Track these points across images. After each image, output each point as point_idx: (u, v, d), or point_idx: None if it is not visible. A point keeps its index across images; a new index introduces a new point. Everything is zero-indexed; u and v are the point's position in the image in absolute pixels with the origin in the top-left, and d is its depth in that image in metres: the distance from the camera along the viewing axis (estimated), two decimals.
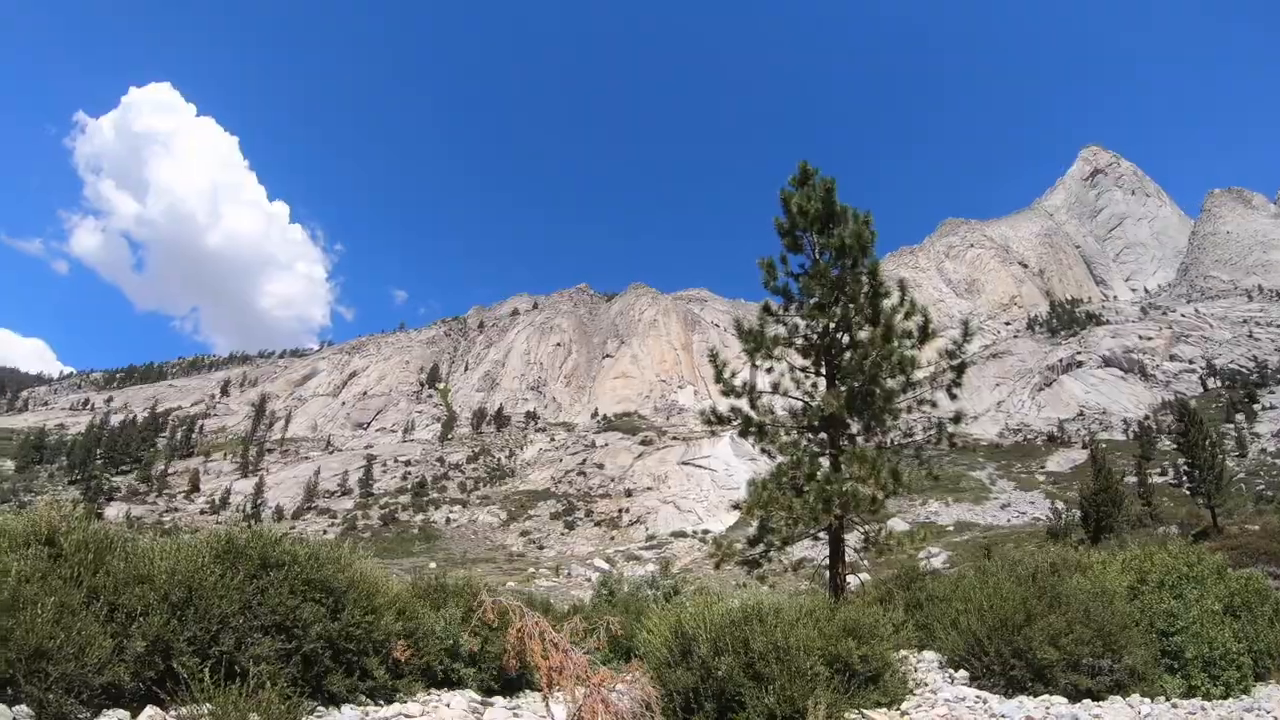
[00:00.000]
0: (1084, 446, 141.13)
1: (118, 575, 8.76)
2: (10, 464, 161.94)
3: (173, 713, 7.60)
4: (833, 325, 20.21)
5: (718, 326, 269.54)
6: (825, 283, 19.98)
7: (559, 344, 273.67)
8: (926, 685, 10.89)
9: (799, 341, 20.72)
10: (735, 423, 21.41)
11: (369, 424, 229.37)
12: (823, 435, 20.75)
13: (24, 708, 7.15)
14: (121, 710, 7.62)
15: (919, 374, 19.72)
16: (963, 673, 11.41)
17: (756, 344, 20.65)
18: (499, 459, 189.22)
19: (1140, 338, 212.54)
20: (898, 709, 9.86)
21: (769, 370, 20.96)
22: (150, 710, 7.63)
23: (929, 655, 12.51)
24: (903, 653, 12.00)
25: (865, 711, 9.50)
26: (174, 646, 8.39)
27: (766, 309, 21.25)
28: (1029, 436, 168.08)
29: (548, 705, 8.69)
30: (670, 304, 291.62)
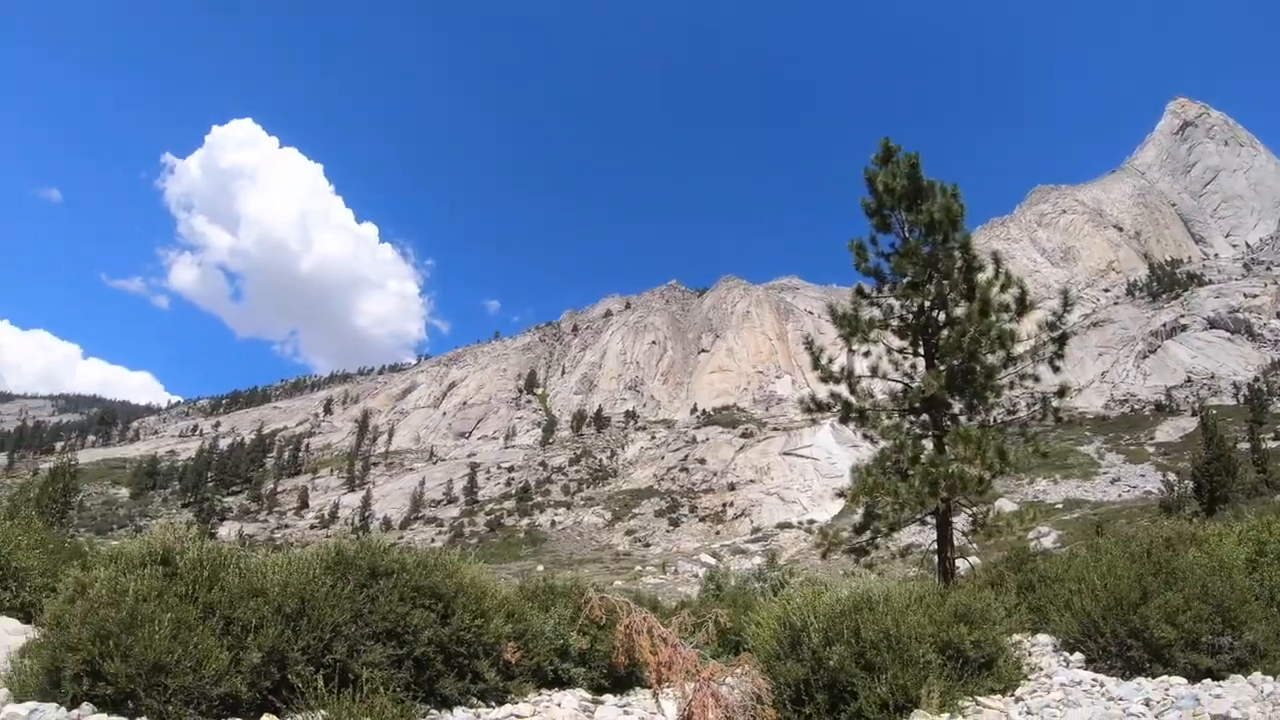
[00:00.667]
0: (1193, 414, 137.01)
1: (232, 590, 8.95)
2: (125, 491, 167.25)
3: None
4: (928, 303, 19.87)
5: (811, 314, 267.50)
6: (917, 260, 19.66)
7: (654, 342, 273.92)
8: (1041, 670, 10.61)
9: (895, 322, 20.41)
10: (835, 409, 21.19)
11: (470, 433, 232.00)
12: (925, 417, 20.46)
13: None
14: (239, 719, 7.78)
15: (1019, 348, 19.32)
16: (1078, 655, 11.10)
17: (852, 328, 20.41)
18: (601, 460, 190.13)
19: (1245, 296, 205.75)
20: (1012, 695, 9.62)
21: (866, 354, 20.70)
22: (267, 718, 7.78)
23: (1043, 639, 12.21)
24: (1016, 637, 11.75)
25: (979, 699, 9.29)
26: (288, 656, 8.55)
27: (859, 292, 20.99)
28: (1136, 407, 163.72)
29: (658, 701, 8.65)
30: (762, 294, 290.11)
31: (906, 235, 20.20)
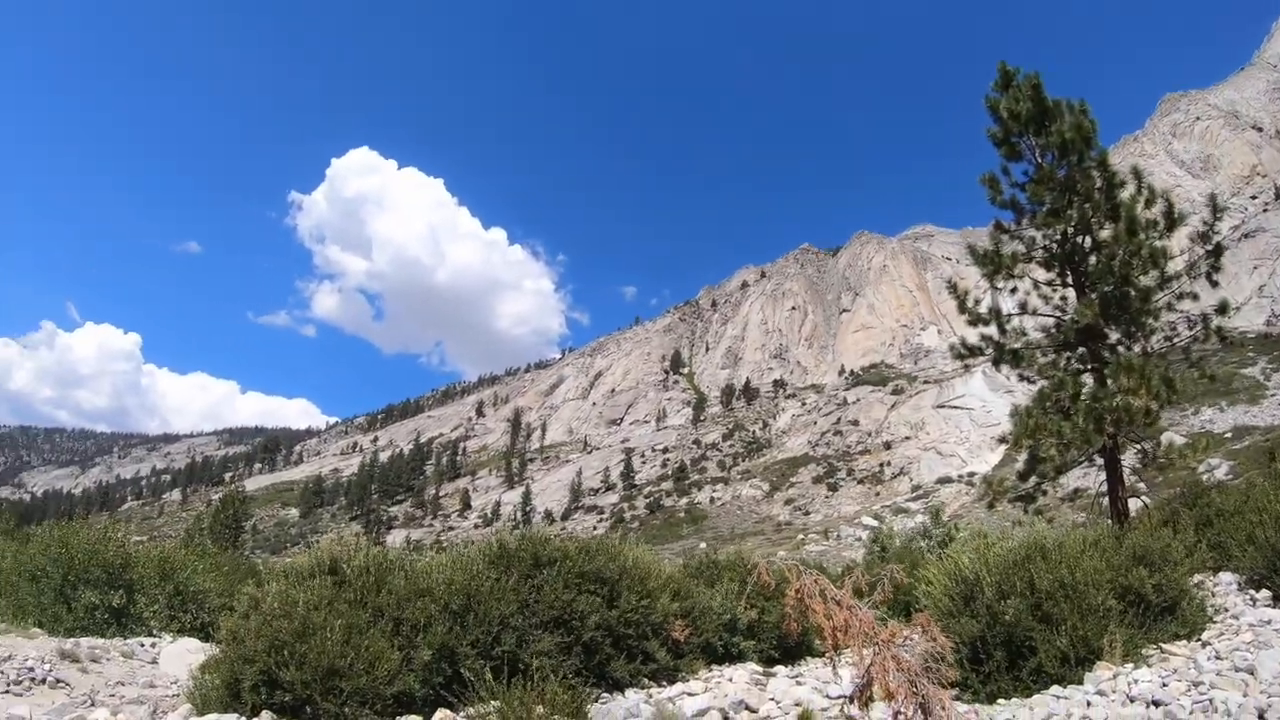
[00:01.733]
0: None
1: (399, 592, 9.14)
2: (295, 511, 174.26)
3: (462, 714, 7.81)
4: (1071, 229, 19.15)
5: (950, 260, 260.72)
6: (1054, 186, 18.97)
7: (793, 307, 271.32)
8: (1227, 610, 10.06)
9: (1039, 254, 19.75)
10: (987, 352, 20.64)
11: (621, 419, 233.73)
12: (1081, 350, 19.75)
13: None
14: (414, 716, 7.97)
15: (1172, 266, 18.47)
16: (1264, 593, 10.49)
17: (995, 265, 19.79)
18: (753, 432, 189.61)
19: None
20: (1198, 639, 9.13)
21: (1012, 290, 20.09)
22: (441, 713, 7.90)
23: (1225, 577, 11.63)
24: (1197, 577, 11.24)
25: (1164, 646, 8.86)
26: (458, 652, 8.69)
27: (998, 226, 20.37)
28: None
29: (834, 668, 8.45)
30: (897, 246, 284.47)
31: (1039, 161, 19.52)
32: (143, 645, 12.46)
